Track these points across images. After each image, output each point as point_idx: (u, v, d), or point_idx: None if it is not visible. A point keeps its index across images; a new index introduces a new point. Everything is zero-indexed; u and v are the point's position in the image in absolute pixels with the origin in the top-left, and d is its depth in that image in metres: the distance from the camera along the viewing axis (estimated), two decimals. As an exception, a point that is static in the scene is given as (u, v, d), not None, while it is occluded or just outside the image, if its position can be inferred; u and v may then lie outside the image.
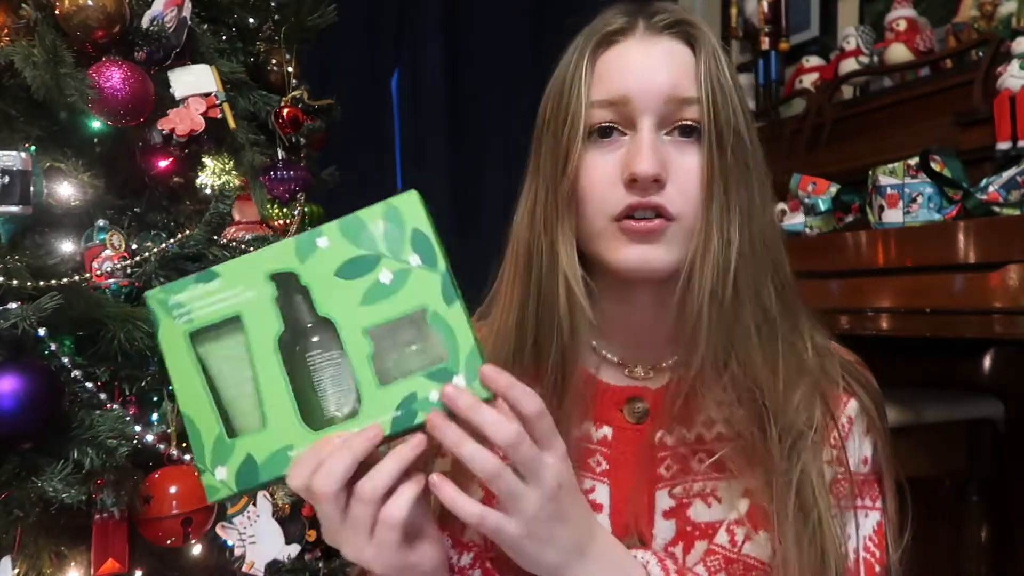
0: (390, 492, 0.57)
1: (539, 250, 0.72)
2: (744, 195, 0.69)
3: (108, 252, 1.23)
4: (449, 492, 0.57)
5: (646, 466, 0.72)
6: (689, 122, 0.69)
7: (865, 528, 0.70)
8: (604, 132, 0.70)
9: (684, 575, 0.66)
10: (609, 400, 0.76)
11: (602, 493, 0.73)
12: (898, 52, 1.95)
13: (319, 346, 0.60)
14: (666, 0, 0.75)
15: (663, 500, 0.71)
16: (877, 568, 0.70)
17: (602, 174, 0.69)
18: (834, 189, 1.47)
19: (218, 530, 1.26)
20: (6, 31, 1.22)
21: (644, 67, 0.70)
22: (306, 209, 1.62)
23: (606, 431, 0.75)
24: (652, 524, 0.71)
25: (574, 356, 0.71)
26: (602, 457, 0.74)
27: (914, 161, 1.26)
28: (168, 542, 1.21)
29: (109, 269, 1.22)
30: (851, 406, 0.72)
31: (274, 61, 1.61)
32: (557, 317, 0.70)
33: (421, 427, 0.57)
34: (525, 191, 0.76)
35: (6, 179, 1.14)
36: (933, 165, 1.24)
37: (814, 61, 2.30)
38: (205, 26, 1.45)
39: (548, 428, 0.58)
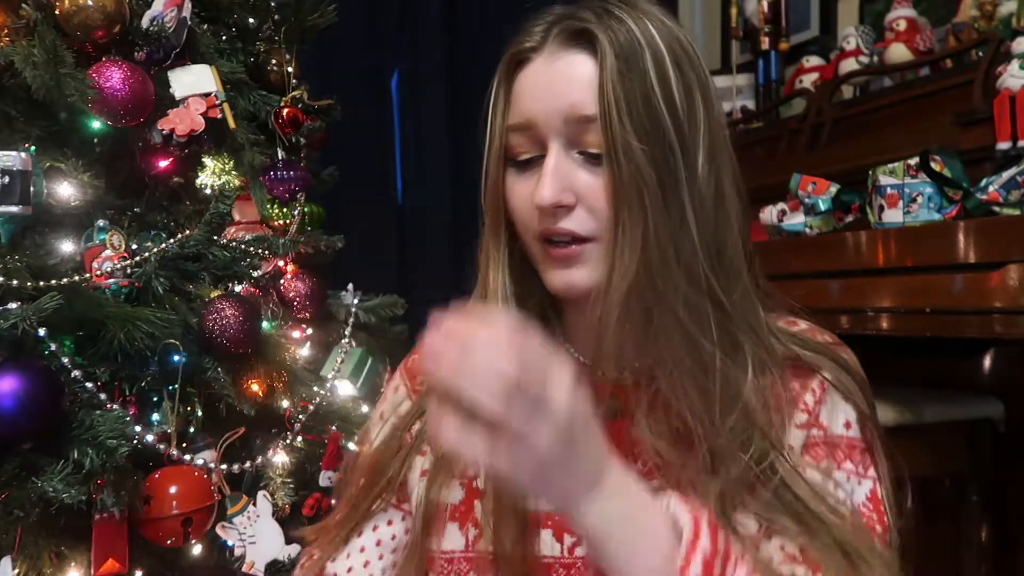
0: None
1: (486, 262, 0.74)
2: (660, 211, 0.65)
3: (108, 252, 1.23)
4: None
5: (627, 462, 0.71)
6: (591, 149, 0.66)
7: (858, 495, 0.68)
8: (521, 159, 0.70)
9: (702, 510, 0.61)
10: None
11: None
12: (898, 52, 1.95)
13: None
14: (592, 3, 0.69)
15: None
16: (878, 528, 0.67)
17: (521, 199, 0.70)
18: (834, 189, 1.47)
19: (218, 530, 1.26)
20: (6, 31, 1.22)
21: (546, 89, 0.68)
22: (306, 209, 1.62)
23: None
24: None
25: None
26: None
27: (914, 161, 1.26)
28: (168, 542, 1.21)
29: (109, 269, 1.22)
30: (816, 381, 0.70)
31: (274, 61, 1.61)
32: None
33: None
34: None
35: (6, 179, 1.14)
36: (933, 165, 1.24)
37: (814, 61, 2.30)
38: (205, 26, 1.45)
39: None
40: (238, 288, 1.39)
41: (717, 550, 0.56)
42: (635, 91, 0.64)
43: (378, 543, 0.80)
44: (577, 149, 0.67)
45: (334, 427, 1.44)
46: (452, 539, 0.74)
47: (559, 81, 0.67)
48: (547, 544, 0.71)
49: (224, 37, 1.52)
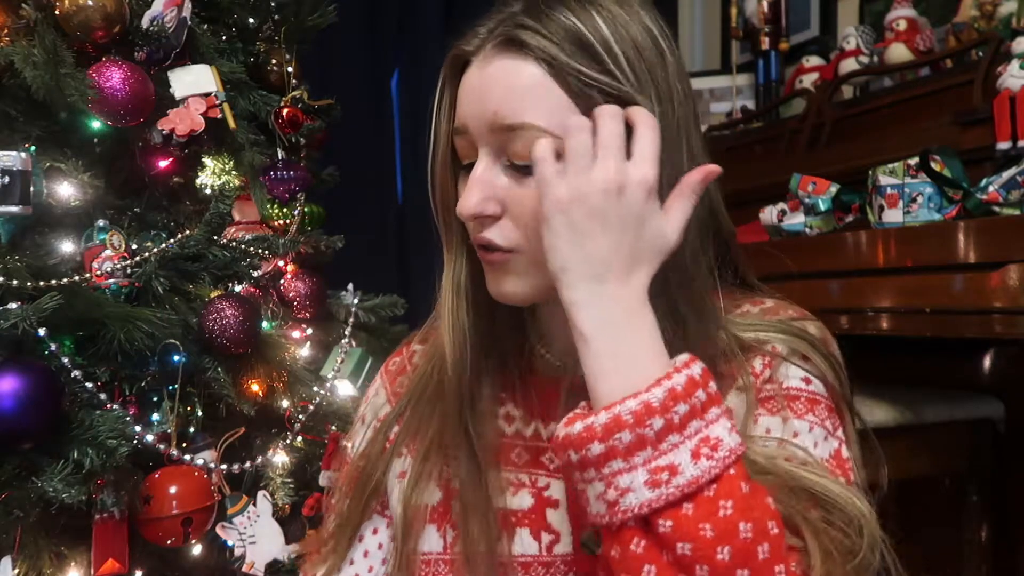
0: None
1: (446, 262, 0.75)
2: None
3: (108, 252, 1.23)
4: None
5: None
6: (517, 160, 0.64)
7: (822, 450, 0.64)
8: (462, 162, 0.70)
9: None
10: (556, 399, 0.74)
11: (557, 488, 0.72)
12: (898, 52, 1.95)
13: None
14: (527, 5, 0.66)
15: None
16: (843, 479, 0.64)
17: (460, 204, 0.68)
18: (834, 189, 1.47)
19: (218, 530, 1.26)
20: (6, 31, 1.22)
21: (477, 95, 0.66)
22: (306, 209, 1.62)
23: (555, 427, 0.75)
24: None
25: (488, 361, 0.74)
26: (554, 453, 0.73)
27: (914, 161, 1.26)
28: (168, 542, 1.21)
29: (109, 269, 1.22)
30: (767, 348, 0.68)
31: (274, 61, 1.61)
32: (445, 325, 0.74)
33: None
34: None
35: (6, 179, 1.14)
36: (933, 165, 1.24)
37: (814, 61, 2.30)
38: (205, 26, 1.45)
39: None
40: (238, 288, 1.39)
41: (708, 384, 0.55)
42: (563, 91, 0.62)
43: (365, 554, 0.80)
44: (504, 158, 0.65)
45: (334, 427, 1.44)
46: (430, 541, 0.74)
47: (487, 88, 0.65)
48: (525, 543, 0.71)
49: (224, 37, 1.52)
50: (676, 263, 0.63)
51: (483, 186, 0.65)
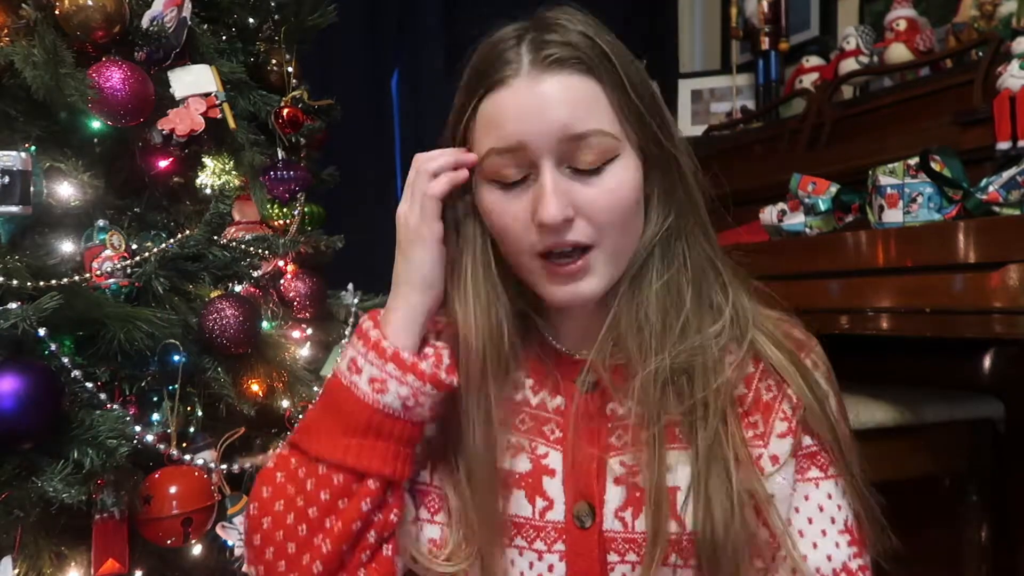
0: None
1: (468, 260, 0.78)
2: (662, 182, 0.74)
3: (108, 252, 1.23)
4: None
5: (598, 435, 0.76)
6: (582, 165, 0.70)
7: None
8: (506, 180, 0.72)
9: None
10: (562, 372, 0.79)
11: (555, 459, 0.76)
12: (898, 52, 1.95)
13: None
14: (559, 18, 0.73)
15: (615, 467, 0.74)
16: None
17: (514, 219, 0.72)
18: (834, 189, 1.47)
19: (218, 530, 1.26)
20: (6, 31, 1.22)
21: (534, 110, 0.69)
22: (306, 209, 1.62)
23: (559, 400, 0.78)
24: (604, 490, 0.74)
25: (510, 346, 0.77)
26: (556, 425, 0.77)
27: (914, 161, 1.26)
28: (168, 542, 1.21)
29: (109, 269, 1.22)
30: (791, 392, 0.76)
31: (274, 61, 1.61)
32: (475, 316, 0.77)
33: None
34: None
35: (6, 179, 1.14)
36: (933, 165, 1.24)
37: (814, 61, 2.30)
38: (205, 26, 1.45)
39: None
40: (238, 288, 1.39)
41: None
42: (621, 92, 0.71)
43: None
44: (567, 164, 0.70)
45: (334, 427, 1.43)
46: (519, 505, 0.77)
47: (549, 103, 0.69)
48: (520, 504, 0.75)
49: (224, 37, 1.52)
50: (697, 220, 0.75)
51: (559, 193, 0.69)
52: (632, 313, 0.74)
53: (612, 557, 0.72)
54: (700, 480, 0.70)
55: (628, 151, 0.72)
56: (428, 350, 0.74)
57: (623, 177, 0.71)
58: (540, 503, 0.74)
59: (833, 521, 0.72)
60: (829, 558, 0.71)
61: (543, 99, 0.69)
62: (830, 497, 0.73)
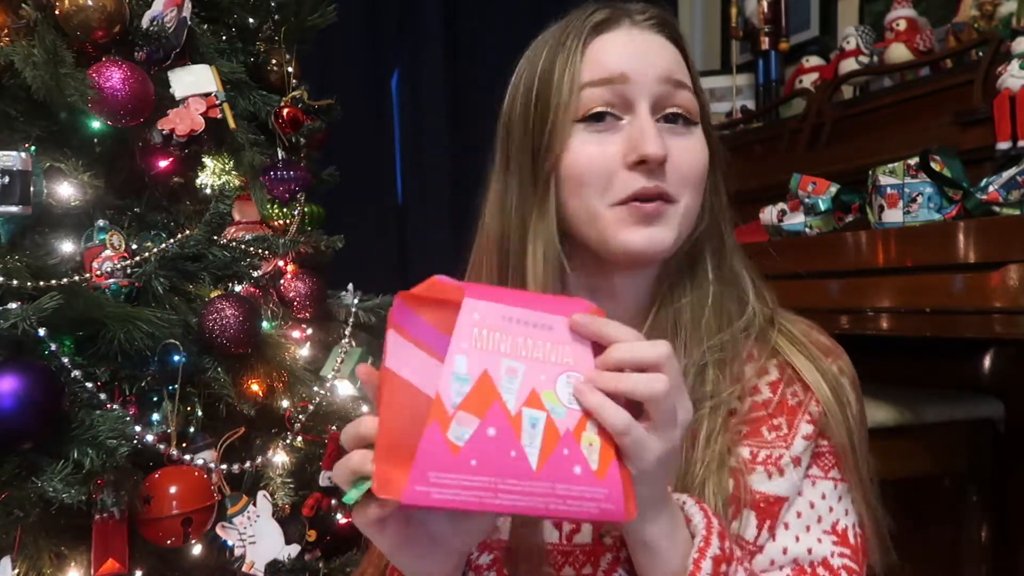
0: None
1: (513, 241, 0.74)
2: (715, 181, 0.76)
3: (108, 252, 1.23)
4: (595, 399, 0.53)
5: None
6: (679, 110, 0.71)
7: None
8: (598, 116, 0.70)
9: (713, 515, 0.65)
10: None
11: None
12: (898, 52, 1.95)
13: None
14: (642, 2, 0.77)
15: None
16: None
17: (601, 158, 0.70)
18: (834, 189, 1.47)
19: (218, 530, 1.26)
20: (6, 31, 1.22)
21: (640, 49, 0.72)
22: (306, 209, 1.62)
23: None
24: None
25: None
26: None
27: (914, 161, 1.26)
28: (168, 542, 1.21)
29: (109, 269, 1.22)
30: (815, 399, 0.75)
31: (274, 61, 1.61)
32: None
33: None
34: (493, 188, 0.78)
35: (6, 179, 1.14)
36: (933, 165, 1.24)
37: (814, 61, 2.30)
38: (205, 26, 1.45)
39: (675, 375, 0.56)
40: (238, 288, 1.39)
41: (724, 554, 0.61)
42: (696, 79, 0.75)
43: None
44: (660, 114, 0.71)
45: (334, 427, 1.44)
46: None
47: (654, 48, 0.72)
48: (547, 530, 0.72)
49: (224, 37, 1.52)
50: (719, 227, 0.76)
51: (658, 131, 0.70)
52: (671, 311, 0.74)
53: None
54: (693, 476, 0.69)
55: (700, 129, 0.74)
56: None
57: (703, 144, 0.73)
58: (567, 527, 0.73)
59: (820, 520, 0.71)
60: (809, 551, 0.70)
61: (649, 44, 0.72)
62: (824, 497, 0.72)
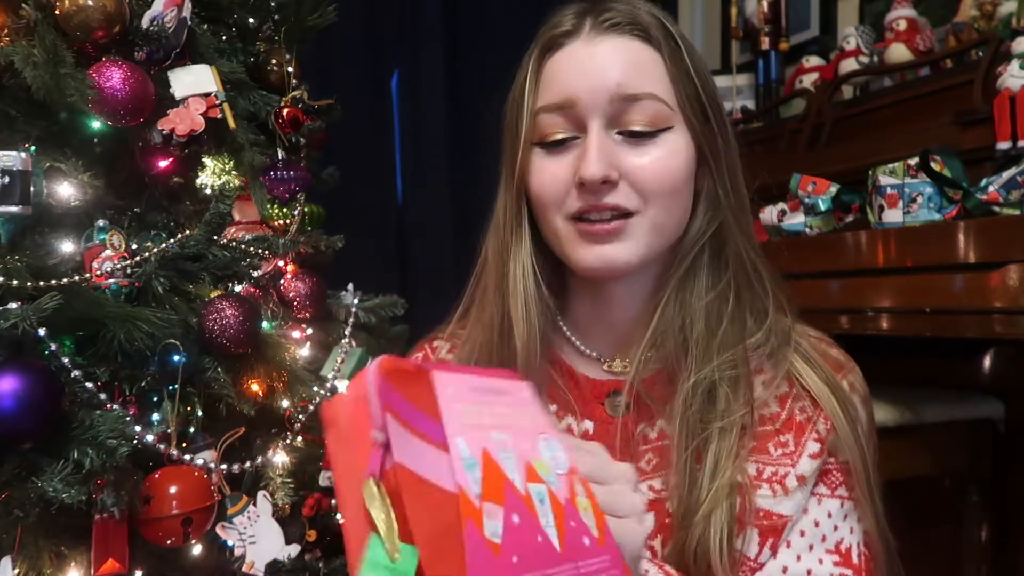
0: None
1: (504, 253, 0.75)
2: (714, 177, 0.73)
3: (108, 252, 1.23)
4: None
5: (628, 460, 0.73)
6: (635, 126, 0.69)
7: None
8: (554, 140, 0.71)
9: None
10: (590, 394, 0.77)
11: None
12: (898, 52, 1.95)
13: None
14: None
15: (646, 494, 0.72)
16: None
17: (553, 178, 0.71)
18: (834, 189, 1.47)
19: (218, 530, 1.26)
20: (6, 31, 1.22)
21: (589, 67, 0.70)
22: (306, 209, 1.62)
23: (588, 425, 0.77)
24: None
25: (542, 352, 0.74)
26: None
27: (914, 161, 1.26)
28: (168, 542, 1.21)
29: (109, 269, 1.22)
30: (824, 416, 0.73)
31: (274, 61, 1.61)
32: (516, 315, 0.73)
33: None
34: (497, 199, 0.79)
35: (6, 179, 1.14)
36: (933, 165, 1.24)
37: (814, 61, 2.30)
38: (205, 26, 1.45)
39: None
40: (238, 288, 1.39)
41: None
42: (692, 69, 0.71)
43: None
44: (617, 129, 0.70)
45: (334, 427, 1.43)
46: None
47: (605, 62, 0.69)
48: None
49: (224, 37, 1.52)
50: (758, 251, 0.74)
51: (604, 153, 0.68)
52: (679, 318, 0.72)
53: None
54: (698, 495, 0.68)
55: (681, 127, 0.71)
56: None
57: (674, 148, 0.70)
58: None
59: (824, 539, 0.70)
60: (809, 572, 0.69)
61: (597, 58, 0.70)
62: (829, 516, 0.71)
